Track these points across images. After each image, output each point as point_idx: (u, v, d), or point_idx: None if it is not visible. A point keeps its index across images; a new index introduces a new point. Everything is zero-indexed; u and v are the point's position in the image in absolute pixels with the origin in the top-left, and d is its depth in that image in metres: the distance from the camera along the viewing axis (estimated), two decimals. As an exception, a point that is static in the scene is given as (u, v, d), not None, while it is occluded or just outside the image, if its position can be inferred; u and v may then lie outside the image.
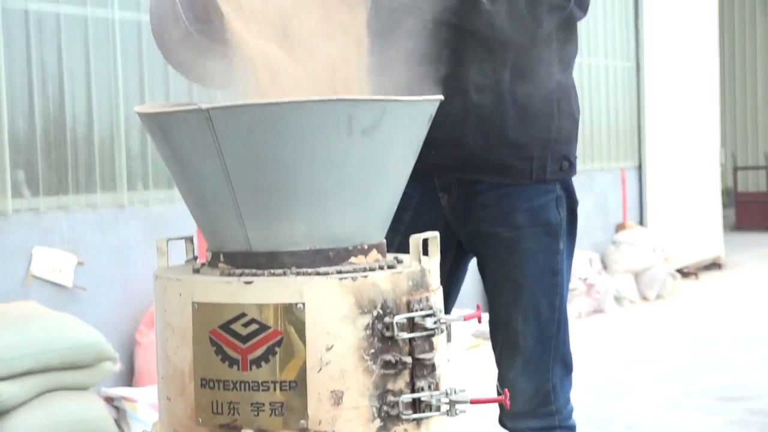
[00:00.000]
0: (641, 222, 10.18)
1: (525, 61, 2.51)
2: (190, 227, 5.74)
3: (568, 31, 2.58)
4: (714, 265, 11.26)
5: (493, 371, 2.74)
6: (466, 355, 6.91)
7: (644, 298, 9.37)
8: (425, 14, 2.36)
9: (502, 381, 2.65)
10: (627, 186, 9.96)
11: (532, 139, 2.55)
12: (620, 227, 9.72)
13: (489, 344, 2.76)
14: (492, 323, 2.67)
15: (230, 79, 2.18)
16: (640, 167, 10.23)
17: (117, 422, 4.94)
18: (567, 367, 2.68)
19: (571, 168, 2.62)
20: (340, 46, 2.17)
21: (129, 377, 5.42)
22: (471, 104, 2.50)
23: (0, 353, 4.42)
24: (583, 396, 2.74)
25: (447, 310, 2.63)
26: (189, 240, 2.25)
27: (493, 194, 2.57)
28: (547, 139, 2.56)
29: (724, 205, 12.35)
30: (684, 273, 10.47)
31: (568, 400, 2.69)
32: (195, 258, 2.24)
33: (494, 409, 2.70)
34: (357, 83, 2.16)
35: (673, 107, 10.55)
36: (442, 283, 2.15)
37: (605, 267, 9.20)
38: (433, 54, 2.34)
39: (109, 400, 5.01)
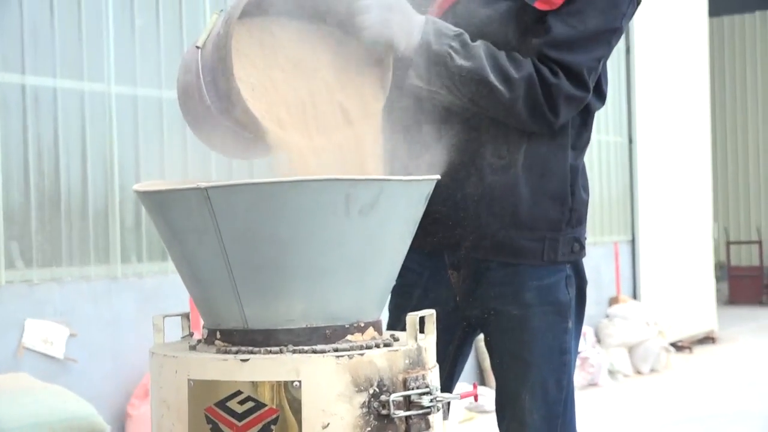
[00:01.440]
0: (634, 296, 10.19)
1: (540, 145, 2.54)
2: (184, 300, 5.76)
3: (584, 118, 2.61)
4: (708, 339, 11.24)
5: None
6: (459, 429, 6.88)
7: (638, 372, 9.33)
8: (443, 99, 2.40)
9: (509, 458, 2.63)
10: (620, 260, 9.99)
11: (544, 222, 2.56)
12: (614, 301, 9.73)
13: (483, 417, 2.76)
14: (498, 400, 2.66)
15: (250, 154, 2.22)
16: (633, 241, 10.26)
17: (106, 497, 4.89)
18: None
19: (582, 250, 2.63)
20: (357, 131, 2.21)
21: (119, 450, 5.39)
22: (485, 184, 2.52)
23: (-9, 426, 4.39)
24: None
25: (451, 386, 2.63)
26: (185, 316, 2.25)
27: (503, 272, 2.58)
28: (560, 221, 2.58)
29: (717, 279, 12.34)
30: (678, 347, 10.44)
31: (573, 480, 2.68)
32: (191, 334, 2.25)
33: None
34: (373, 168, 2.19)
35: (665, 181, 10.61)
36: (448, 359, 2.16)
37: (599, 340, 9.18)
38: (448, 135, 2.37)
39: (100, 473, 4.97)
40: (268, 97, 2.17)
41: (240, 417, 1.94)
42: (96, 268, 5.40)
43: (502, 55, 2.42)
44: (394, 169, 2.22)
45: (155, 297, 5.56)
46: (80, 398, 4.77)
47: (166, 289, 5.63)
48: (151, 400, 2.11)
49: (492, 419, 2.95)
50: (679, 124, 10.87)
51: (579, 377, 8.40)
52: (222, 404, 1.95)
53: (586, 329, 8.70)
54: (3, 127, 5.02)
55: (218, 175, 4.18)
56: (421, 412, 1.99)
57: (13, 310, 5.04)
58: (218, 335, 2.05)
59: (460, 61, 2.37)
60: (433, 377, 2.06)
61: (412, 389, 1.99)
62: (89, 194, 5.37)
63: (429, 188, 2.10)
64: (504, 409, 2.65)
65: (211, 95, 2.15)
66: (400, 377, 1.99)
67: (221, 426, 1.95)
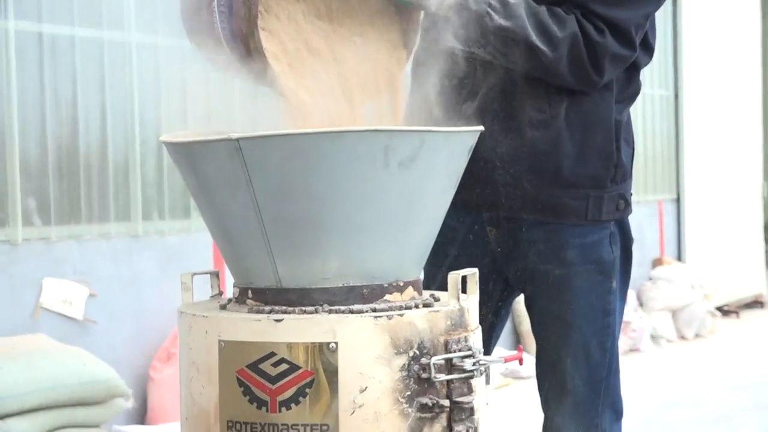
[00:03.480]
0: (679, 257, 10.01)
1: (583, 99, 2.44)
2: (207, 259, 5.69)
3: (629, 73, 2.51)
4: (756, 303, 11.05)
5: (525, 412, 2.65)
6: (495, 395, 6.78)
7: (682, 337, 9.19)
8: (480, 57, 2.31)
9: (549, 424, 2.55)
10: (664, 219, 9.83)
11: (588, 179, 2.47)
12: (657, 263, 9.56)
13: (519, 384, 2.68)
14: (539, 364, 2.57)
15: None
16: (678, 200, 10.07)
17: (128, 459, 4.84)
18: (617, 413, 2.58)
19: (627, 207, 2.54)
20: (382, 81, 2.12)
21: (142, 415, 5.32)
22: (525, 141, 2.42)
23: (8, 389, 4.34)
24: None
25: (489, 350, 2.54)
26: (214, 275, 2.16)
27: (543, 229, 2.48)
28: (605, 177, 2.48)
29: (766, 241, 12.12)
30: (724, 311, 10.27)
31: (617, 446, 2.60)
32: (220, 293, 2.16)
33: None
34: (400, 120, 2.10)
35: (712, 138, 10.33)
36: (486, 321, 2.07)
37: (641, 304, 9.04)
38: (485, 90, 2.28)
39: (121, 437, 4.92)
40: (287, 40, 2.06)
41: (273, 380, 1.87)
42: (116, 225, 5.32)
43: (543, 12, 2.32)
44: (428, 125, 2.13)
45: (178, 256, 5.47)
46: (100, 361, 4.71)
47: (189, 248, 5.55)
48: (179, 361, 2.02)
49: (529, 385, 2.87)
50: (728, 77, 10.54)
51: (621, 342, 8.24)
52: (254, 366, 1.88)
53: (629, 292, 8.57)
54: (19, 77, 4.91)
55: (244, 128, 4.08)
56: (463, 375, 1.91)
57: (30, 269, 4.96)
58: (250, 294, 1.97)
59: (499, 20, 2.27)
60: (476, 339, 1.98)
61: (454, 352, 1.91)
62: (109, 148, 5.26)
63: (472, 140, 2.01)
64: (544, 373, 2.56)
65: (225, 33, 2.05)
66: (442, 339, 1.91)
67: (253, 389, 1.87)
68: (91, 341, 5.07)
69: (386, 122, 2.14)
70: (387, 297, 1.94)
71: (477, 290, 2.04)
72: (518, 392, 6.79)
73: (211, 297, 2.15)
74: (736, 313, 10.44)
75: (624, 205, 2.53)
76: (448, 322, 1.93)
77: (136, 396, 5.12)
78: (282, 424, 1.86)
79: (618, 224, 2.54)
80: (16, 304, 4.91)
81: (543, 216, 2.48)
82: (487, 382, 2.00)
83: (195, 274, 2.13)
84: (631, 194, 2.57)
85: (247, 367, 1.88)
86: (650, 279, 9.25)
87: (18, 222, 4.89)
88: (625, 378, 2.87)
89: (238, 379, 1.88)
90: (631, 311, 8.53)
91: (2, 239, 4.86)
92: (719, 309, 9.97)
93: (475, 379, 1.93)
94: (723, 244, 10.46)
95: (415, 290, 1.99)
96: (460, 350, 1.91)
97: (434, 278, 2.47)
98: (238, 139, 1.85)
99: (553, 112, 2.44)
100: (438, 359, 1.88)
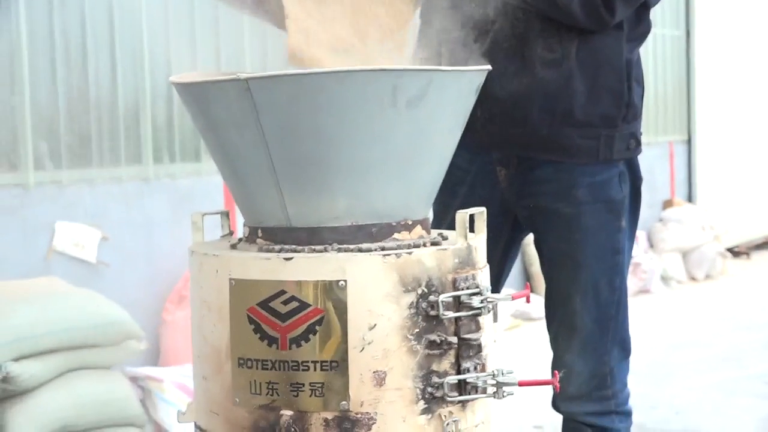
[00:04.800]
0: (690, 199, 9.98)
1: (593, 38, 2.43)
2: (218, 201, 5.71)
3: (639, 11, 2.50)
4: (766, 244, 11.03)
5: (535, 352, 2.67)
6: (505, 336, 6.82)
7: (692, 279, 9.20)
8: None
9: (558, 362, 2.57)
10: (675, 161, 9.79)
11: (600, 118, 2.47)
12: (668, 204, 9.54)
13: (529, 325, 2.70)
14: (548, 302, 2.59)
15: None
16: (689, 141, 10.01)
17: (142, 402, 4.88)
18: (625, 351, 2.60)
19: (638, 146, 2.54)
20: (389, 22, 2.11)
21: (155, 357, 5.37)
22: (536, 80, 2.42)
23: (22, 331, 4.37)
24: (628, 379, 2.66)
25: (498, 289, 2.56)
26: (225, 215, 2.18)
27: (553, 168, 2.49)
28: (616, 117, 2.48)
29: (778, 182, 12.04)
30: (735, 252, 10.25)
31: (625, 384, 2.62)
32: (231, 233, 2.18)
33: (545, 392, 2.63)
34: (407, 59, 2.10)
35: (724, 78, 10.24)
36: (495, 260, 2.08)
37: (651, 245, 9.03)
38: (496, 29, 2.27)
39: (134, 379, 4.96)
40: None
41: (283, 317, 1.88)
42: (127, 168, 5.33)
43: None
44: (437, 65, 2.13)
45: (189, 199, 5.49)
46: (113, 303, 4.74)
47: (200, 191, 5.57)
48: (191, 300, 2.04)
49: (539, 327, 2.89)
50: (741, 15, 10.45)
51: (630, 283, 8.27)
52: (265, 304, 1.89)
53: (639, 233, 8.57)
54: (28, 20, 4.90)
55: (253, 69, 4.07)
56: (471, 313, 1.92)
57: (42, 213, 4.99)
58: (260, 233, 1.98)
59: None
60: (484, 277, 1.99)
61: (462, 290, 1.92)
62: (119, 91, 5.27)
63: (480, 79, 2.01)
64: (553, 311, 2.58)
65: None
66: (450, 277, 1.92)
67: (264, 326, 1.89)
68: (104, 284, 5.11)
69: (397, 62, 2.14)
70: (395, 235, 1.95)
71: (485, 229, 2.05)
72: (528, 333, 6.83)
73: (222, 237, 2.17)
74: (747, 254, 10.43)
75: (635, 144, 2.53)
76: (456, 260, 1.94)
77: (149, 338, 5.16)
78: (292, 361, 1.87)
79: (627, 163, 2.55)
80: (28, 247, 4.94)
81: (553, 155, 2.48)
82: (495, 319, 2.02)
83: (205, 214, 2.15)
84: (641, 133, 2.57)
85: (257, 305, 1.89)
86: (661, 220, 9.24)
87: (29, 166, 4.91)
88: (634, 319, 2.89)
89: (248, 316, 1.90)
90: (641, 252, 8.52)
91: (14, 183, 4.88)
92: (729, 250, 9.96)
93: (482, 316, 1.94)
94: (734, 186, 10.43)
95: (423, 229, 2.00)
96: (467, 288, 1.93)
97: (444, 218, 2.49)
98: (246, 79, 1.85)
99: (564, 52, 2.43)
100: (446, 297, 1.90)
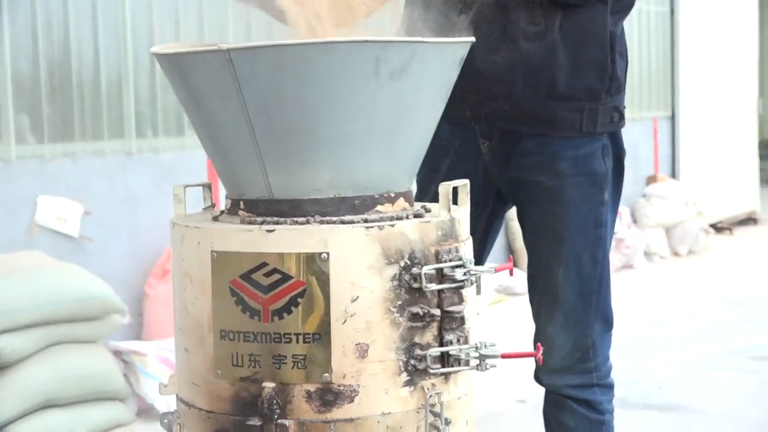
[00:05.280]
0: (673, 174, 10.00)
1: (577, 11, 2.42)
2: (202, 176, 5.69)
3: None
4: (749, 220, 11.05)
5: (518, 327, 2.67)
6: (488, 311, 6.83)
7: (675, 254, 9.22)
8: None
9: (541, 335, 2.57)
10: (659, 137, 9.80)
11: (583, 91, 2.46)
12: (651, 180, 9.55)
13: (512, 300, 2.70)
14: (531, 276, 2.59)
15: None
16: (673, 117, 10.02)
17: (125, 376, 4.88)
18: (607, 324, 2.60)
19: (621, 120, 2.54)
20: None
21: (138, 331, 5.36)
22: (519, 53, 2.41)
23: (4, 305, 4.36)
24: (610, 354, 2.67)
25: (481, 262, 2.56)
26: (207, 187, 2.17)
27: (536, 141, 2.48)
28: (599, 90, 2.47)
29: (761, 158, 12.04)
30: (717, 228, 10.28)
31: (607, 357, 2.62)
32: (213, 206, 2.17)
33: (528, 366, 2.63)
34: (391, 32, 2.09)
35: (708, 54, 10.22)
36: (478, 233, 2.08)
37: (635, 221, 9.05)
38: (480, 2, 2.26)
39: (117, 353, 4.95)
40: None
41: (266, 290, 1.87)
42: (110, 143, 5.31)
43: None
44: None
45: (172, 173, 5.47)
46: (96, 277, 4.73)
47: (183, 165, 5.55)
48: (172, 273, 2.04)
49: (522, 302, 2.88)
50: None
51: (614, 258, 8.30)
52: (247, 276, 1.88)
53: (622, 209, 8.59)
54: (10, -5, 4.88)
55: (236, 41, 4.04)
56: (454, 285, 1.92)
57: (25, 187, 4.97)
58: (242, 205, 1.97)
59: None
60: (467, 250, 1.99)
61: (445, 262, 1.92)
62: (101, 64, 5.23)
63: (463, 51, 2.00)
64: (536, 285, 2.58)
65: None
66: (433, 249, 1.92)
67: (246, 299, 1.88)
68: (87, 258, 5.09)
69: (386, 34, 2.13)
70: (378, 208, 1.95)
71: (468, 201, 2.05)
72: (512, 308, 6.84)
73: (204, 209, 2.16)
74: (730, 230, 10.47)
75: (618, 117, 2.53)
76: (439, 233, 1.93)
77: (132, 312, 5.15)
78: (275, 333, 1.87)
79: (611, 137, 2.54)
80: (11, 221, 4.92)
81: (537, 128, 2.47)
82: (478, 292, 2.01)
83: (187, 186, 2.14)
84: (625, 107, 2.57)
85: (239, 277, 1.89)
86: (644, 196, 9.26)
87: (11, 139, 4.88)
88: (617, 294, 2.89)
89: (230, 289, 1.89)
90: (624, 228, 8.55)
91: (-4, 157, 4.86)
92: (713, 226, 10.00)
93: (465, 289, 1.94)
94: (717, 162, 10.46)
95: (406, 201, 2.00)
96: (450, 260, 1.92)
97: (427, 191, 2.48)
98: (228, 50, 1.84)
99: (548, 24, 2.42)
100: (429, 269, 1.89)
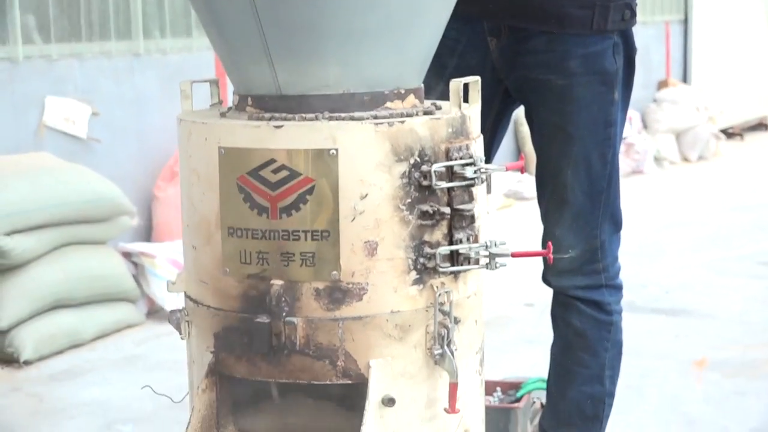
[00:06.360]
0: (685, 79, 9.91)
1: None
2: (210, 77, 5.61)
3: None
4: (760, 126, 10.98)
5: (528, 231, 2.64)
6: (498, 215, 6.82)
7: (685, 159, 9.18)
8: None
9: (548, 237, 2.53)
10: (671, 41, 9.69)
11: None
12: (662, 84, 9.47)
13: (521, 204, 2.67)
14: (539, 176, 2.55)
15: None
16: (685, 21, 9.89)
17: (135, 278, 4.89)
18: (616, 224, 2.57)
19: (633, 18, 2.48)
20: None
21: (147, 233, 5.36)
22: None
23: (13, 206, 4.36)
24: (619, 259, 2.65)
25: (489, 161, 2.52)
26: (214, 83, 2.14)
27: (546, 39, 2.43)
28: None
29: (773, 63, 11.94)
30: (728, 134, 10.22)
31: (615, 258, 2.60)
32: (220, 102, 2.14)
33: (536, 270, 2.62)
34: None
35: None
36: (485, 132, 2.04)
37: (645, 126, 9.00)
38: None
39: (127, 255, 4.96)
40: None
41: (274, 186, 1.85)
42: (117, 43, 5.26)
43: None
44: None
45: (179, 74, 5.42)
46: (105, 179, 4.72)
47: (191, 66, 5.50)
48: (179, 169, 2.01)
49: (532, 206, 2.86)
50: None
51: (623, 164, 8.27)
52: (255, 173, 1.86)
53: (633, 114, 8.52)
54: None
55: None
56: (464, 183, 1.89)
57: (32, 88, 4.93)
58: (250, 101, 1.94)
59: None
60: (477, 148, 1.96)
61: (455, 159, 1.89)
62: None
63: (476, -56, 1.95)
64: (544, 185, 2.55)
65: None
66: (443, 147, 1.89)
67: (254, 195, 1.86)
68: (95, 160, 5.08)
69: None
70: (388, 104, 1.91)
71: (479, 99, 2.01)
72: (521, 212, 6.83)
73: (211, 105, 2.13)
74: (740, 135, 10.42)
75: (630, 14, 2.47)
76: (450, 130, 1.90)
77: (141, 214, 5.16)
78: (283, 231, 1.85)
79: (622, 35, 2.49)
80: (19, 122, 4.90)
81: (547, 25, 2.42)
82: (489, 191, 1.99)
83: (194, 82, 2.11)
84: (636, 4, 2.51)
85: (247, 173, 1.86)
86: (655, 101, 9.19)
87: (18, 39, 4.83)
88: (627, 199, 2.86)
89: (238, 185, 1.87)
90: (635, 133, 8.51)
91: (2, 56, 4.82)
92: (723, 131, 9.95)
93: (476, 186, 1.92)
94: (730, 67, 10.36)
95: (416, 98, 1.96)
96: (461, 158, 1.89)
97: (434, 90, 2.44)
98: (235, -59, 1.79)
99: None
100: (439, 167, 1.87)
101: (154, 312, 4.94)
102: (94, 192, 4.62)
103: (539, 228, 2.61)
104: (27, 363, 4.34)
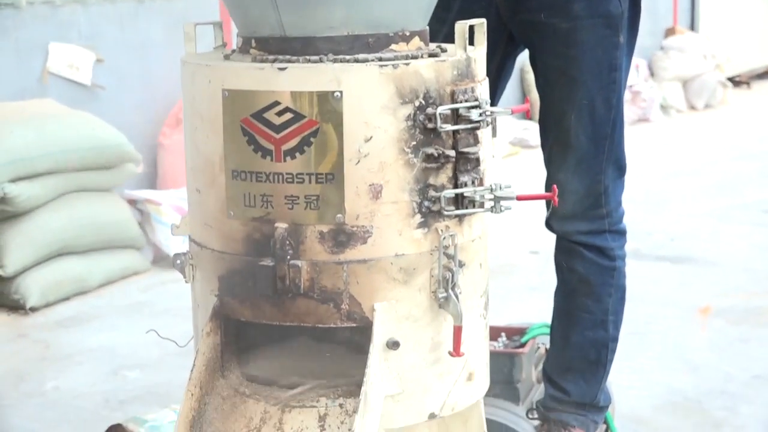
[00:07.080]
0: (692, 27, 9.84)
1: None
2: (214, 24, 5.58)
3: None
4: (767, 74, 10.93)
5: (534, 179, 2.63)
6: (503, 163, 6.81)
7: (692, 107, 9.15)
8: None
9: (552, 181, 2.51)
10: (678, -12, 9.63)
11: None
12: (669, 32, 9.41)
13: (527, 152, 2.66)
14: (543, 121, 2.53)
15: None
16: None
17: (140, 225, 4.90)
18: (620, 169, 2.55)
19: None
20: None
21: (152, 180, 5.36)
22: None
23: (19, 152, 4.35)
24: (625, 207, 2.64)
25: (494, 104, 2.50)
26: (218, 25, 2.12)
27: None
28: None
29: (782, 10, 11.86)
30: (735, 82, 10.16)
31: (619, 203, 2.58)
32: (224, 45, 2.12)
33: (542, 218, 2.60)
34: None
35: None
36: (489, 76, 2.02)
37: (652, 74, 8.95)
38: None
39: (132, 202, 4.97)
40: None
41: (278, 129, 1.84)
42: (121, -12, 5.23)
43: None
44: None
45: (184, 20, 5.34)
46: (109, 126, 4.71)
47: (196, 13, 5.47)
48: (183, 112, 2.00)
49: (536, 154, 2.84)
50: None
51: (630, 112, 8.23)
52: (259, 115, 1.84)
53: (639, 62, 8.47)
54: None
55: None
56: (469, 126, 1.88)
57: (35, 33, 4.91)
58: (253, 44, 1.92)
59: None
60: (483, 90, 1.94)
61: (461, 102, 1.87)
62: None
63: None
64: (548, 130, 2.53)
65: None
66: (448, 89, 1.88)
67: (258, 138, 1.85)
68: (100, 107, 5.07)
69: None
70: (393, 46, 1.90)
71: (485, 41, 1.99)
72: (526, 160, 6.82)
73: (215, 48, 2.12)
74: (747, 83, 10.37)
75: None
76: (455, 72, 1.89)
77: (146, 161, 5.15)
78: (287, 173, 1.84)
79: None
80: (22, 68, 4.88)
81: None
82: (494, 134, 1.98)
83: (198, 24, 2.09)
84: None
85: (251, 116, 1.85)
86: (662, 48, 9.14)
87: (21, -15, 4.81)
88: (633, 147, 2.85)
89: (242, 128, 1.86)
90: (641, 81, 8.47)
91: (6, 2, 4.79)
92: (730, 79, 9.90)
93: (481, 130, 1.90)
94: (737, 14, 10.29)
95: (421, 40, 1.95)
96: (466, 101, 1.88)
97: (437, 34, 2.42)
98: None
99: None
100: (444, 109, 1.85)
101: (159, 259, 4.95)
102: (99, 139, 4.61)
103: (545, 175, 2.60)
104: (33, 309, 4.36)
